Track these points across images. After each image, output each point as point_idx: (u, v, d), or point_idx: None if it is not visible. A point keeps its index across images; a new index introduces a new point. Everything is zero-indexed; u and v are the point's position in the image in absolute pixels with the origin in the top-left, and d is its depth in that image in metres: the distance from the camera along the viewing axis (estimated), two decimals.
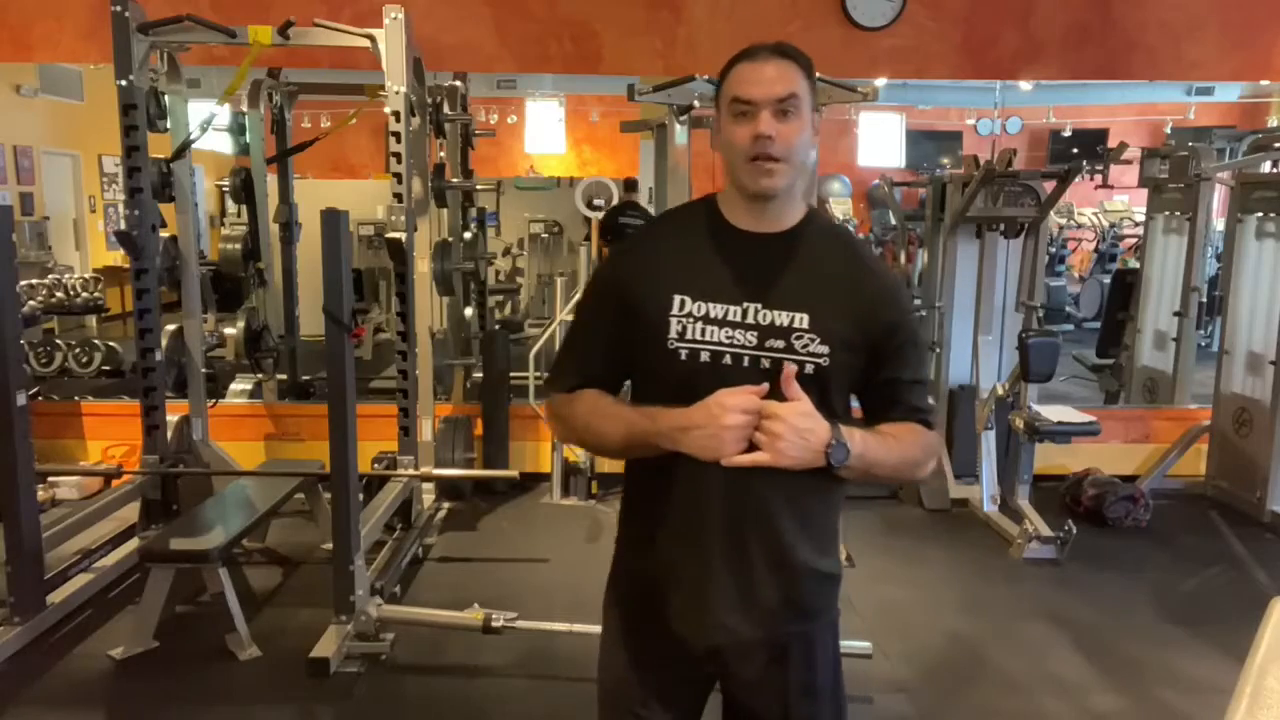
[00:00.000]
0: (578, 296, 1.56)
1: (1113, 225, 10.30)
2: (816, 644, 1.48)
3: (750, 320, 1.35)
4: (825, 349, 1.35)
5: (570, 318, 1.50)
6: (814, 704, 1.47)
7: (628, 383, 1.48)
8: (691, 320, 1.35)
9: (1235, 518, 4.70)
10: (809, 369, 1.34)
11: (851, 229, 11.22)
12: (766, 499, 1.36)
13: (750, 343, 1.34)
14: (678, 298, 1.36)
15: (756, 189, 1.35)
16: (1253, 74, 5.51)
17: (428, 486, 4.55)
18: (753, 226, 1.39)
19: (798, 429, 1.26)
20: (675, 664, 1.46)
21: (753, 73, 1.33)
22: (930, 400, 1.45)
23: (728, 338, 1.34)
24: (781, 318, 1.35)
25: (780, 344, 1.34)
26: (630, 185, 7.68)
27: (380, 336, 7.96)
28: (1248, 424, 4.80)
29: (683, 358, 1.35)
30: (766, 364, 1.33)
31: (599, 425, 1.41)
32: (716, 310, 1.35)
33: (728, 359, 1.34)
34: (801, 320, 1.35)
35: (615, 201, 6.85)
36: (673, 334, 1.35)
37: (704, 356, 1.35)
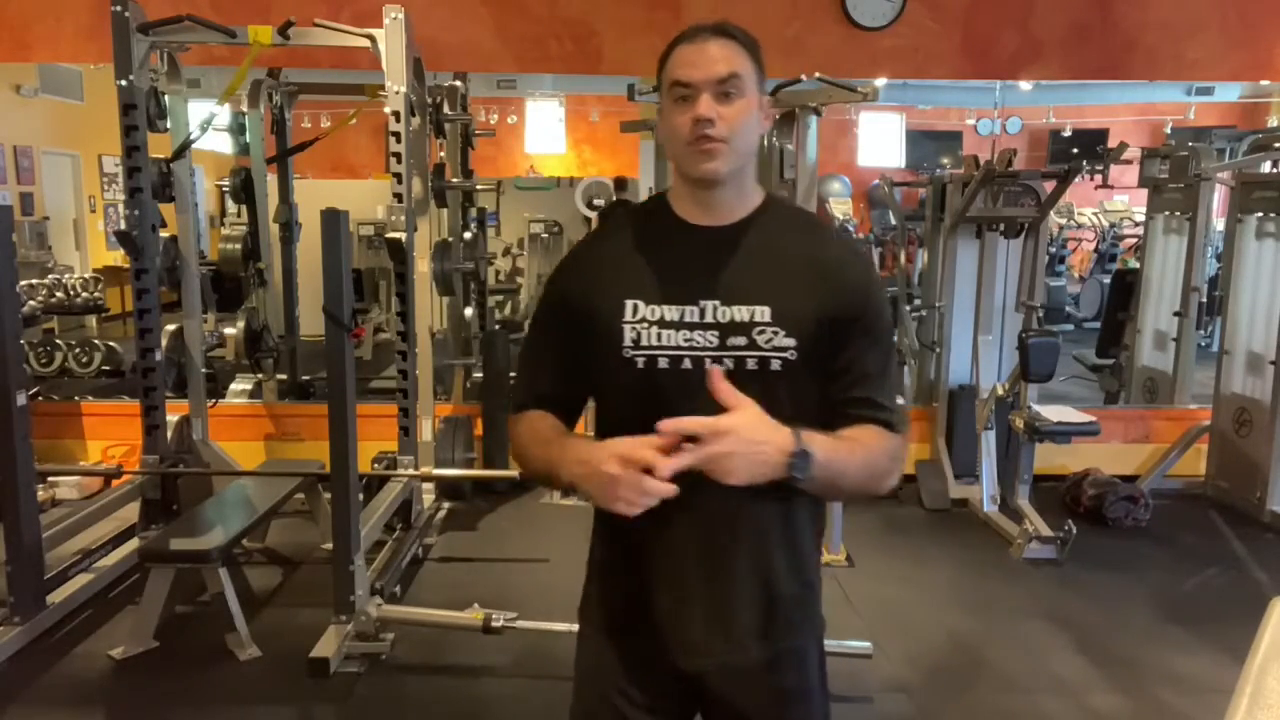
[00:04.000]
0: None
1: (1113, 225, 10.30)
2: (805, 655, 1.42)
3: (709, 319, 1.27)
4: (791, 341, 1.26)
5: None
6: (806, 708, 1.43)
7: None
8: (646, 325, 1.27)
9: (1235, 518, 4.70)
10: (776, 365, 1.26)
11: (851, 229, 11.25)
12: (745, 517, 1.30)
13: (711, 343, 1.26)
14: (630, 303, 1.28)
15: (698, 173, 1.27)
16: (1253, 74, 5.51)
17: (428, 486, 4.55)
18: (705, 220, 1.32)
19: (749, 442, 1.13)
20: (657, 681, 1.39)
21: (692, 54, 1.27)
22: (900, 400, 1.38)
23: (686, 340, 1.27)
24: (741, 313, 1.27)
25: (742, 341, 1.26)
26: (620, 184, 7.68)
27: (380, 336, 7.96)
28: (1248, 424, 4.80)
29: (640, 366, 1.27)
30: (730, 364, 1.25)
31: (531, 450, 1.34)
32: (672, 312, 1.27)
33: (687, 363, 1.26)
34: (763, 313, 1.26)
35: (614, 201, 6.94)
36: (627, 342, 1.27)
37: (662, 363, 1.27)
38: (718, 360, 1.26)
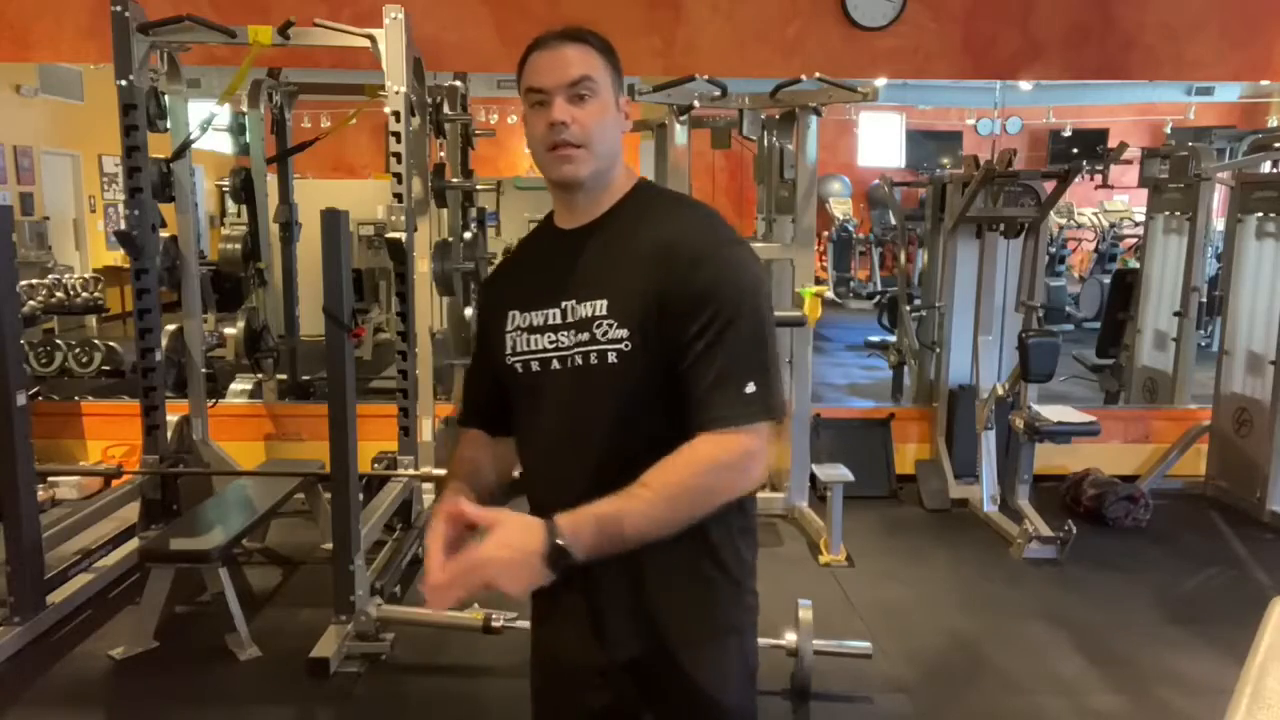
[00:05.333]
0: None
1: (1113, 225, 10.30)
2: (699, 658, 1.35)
3: (568, 319, 1.29)
4: (624, 332, 1.24)
5: None
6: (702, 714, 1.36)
7: None
8: (520, 333, 1.33)
9: (1235, 518, 4.70)
10: (611, 357, 1.25)
11: (851, 228, 11.25)
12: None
13: (569, 342, 1.28)
14: (510, 313, 1.35)
15: (558, 176, 1.29)
16: (1253, 74, 5.51)
17: (428, 486, 4.55)
18: (571, 222, 1.35)
19: (504, 562, 1.13)
20: (571, 671, 1.40)
21: (543, 61, 1.29)
22: (751, 387, 1.21)
23: (551, 342, 1.30)
24: (586, 309, 1.28)
25: (585, 336, 1.27)
26: None
27: (380, 336, 7.95)
28: (1248, 424, 4.80)
29: (519, 371, 1.34)
30: (579, 361, 1.27)
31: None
32: (538, 318, 1.32)
33: (555, 364, 1.30)
34: (601, 307, 1.26)
35: None
36: (509, 350, 1.34)
37: (534, 366, 1.32)
38: (569, 359, 1.28)
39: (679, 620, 1.34)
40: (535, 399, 1.33)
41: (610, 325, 1.25)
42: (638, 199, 1.35)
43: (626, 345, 1.25)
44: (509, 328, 1.35)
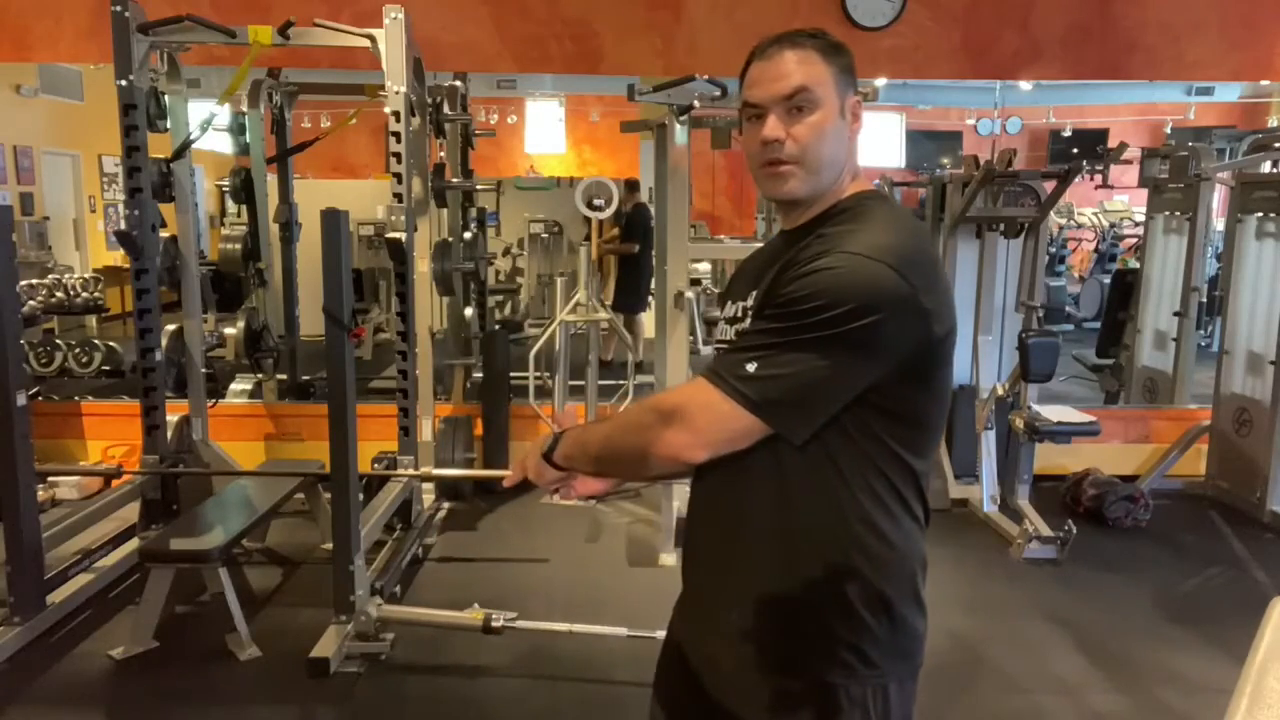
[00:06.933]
0: None
1: (1113, 225, 10.30)
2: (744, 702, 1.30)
3: (741, 313, 1.33)
4: (748, 323, 1.29)
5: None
6: None
7: None
8: (721, 322, 1.40)
9: (1235, 518, 4.70)
10: None
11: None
12: (711, 502, 1.33)
13: (734, 333, 1.34)
14: (726, 302, 1.40)
15: (771, 195, 1.30)
16: (1253, 74, 5.51)
17: (428, 486, 4.55)
18: (786, 224, 1.35)
19: (526, 452, 1.41)
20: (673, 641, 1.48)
21: (759, 72, 1.26)
22: (745, 382, 1.17)
23: (736, 333, 1.32)
24: (749, 301, 1.29)
25: (740, 329, 1.30)
26: (632, 186, 7.69)
27: (380, 336, 7.95)
28: (1248, 424, 4.80)
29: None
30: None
31: None
32: (732, 309, 1.36)
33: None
34: (752, 296, 1.28)
35: (615, 202, 6.97)
36: (715, 336, 1.43)
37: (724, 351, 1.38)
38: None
39: (740, 636, 1.30)
40: None
41: (749, 316, 1.28)
42: (843, 208, 1.28)
43: None
44: (720, 315, 1.41)
